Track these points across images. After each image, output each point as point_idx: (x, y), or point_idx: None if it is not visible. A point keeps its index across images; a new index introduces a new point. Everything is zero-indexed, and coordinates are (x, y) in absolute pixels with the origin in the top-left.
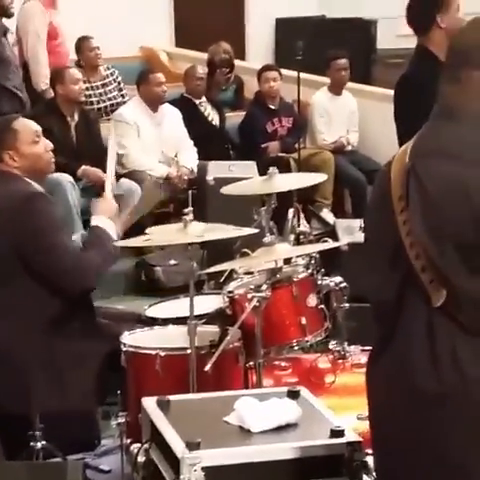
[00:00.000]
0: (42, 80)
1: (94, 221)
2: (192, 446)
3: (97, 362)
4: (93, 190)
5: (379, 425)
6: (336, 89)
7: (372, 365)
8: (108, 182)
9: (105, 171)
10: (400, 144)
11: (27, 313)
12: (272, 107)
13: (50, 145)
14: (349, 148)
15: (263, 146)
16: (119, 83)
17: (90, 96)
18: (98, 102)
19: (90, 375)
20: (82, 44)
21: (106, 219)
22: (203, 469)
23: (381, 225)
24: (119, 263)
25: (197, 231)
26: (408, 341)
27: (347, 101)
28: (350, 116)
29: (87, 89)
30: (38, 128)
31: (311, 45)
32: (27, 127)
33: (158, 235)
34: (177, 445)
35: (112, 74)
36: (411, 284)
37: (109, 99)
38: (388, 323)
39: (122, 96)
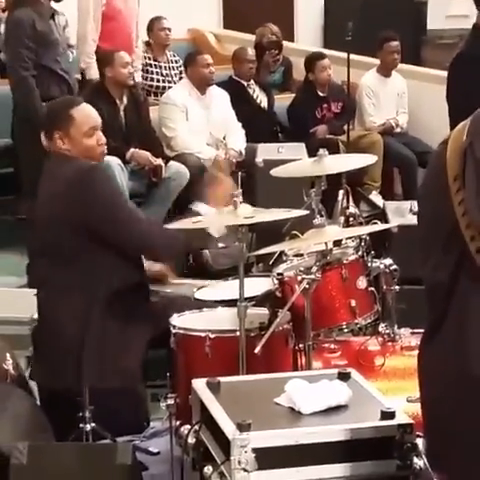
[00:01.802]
0: (84, 59)
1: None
2: (243, 427)
3: (144, 342)
4: (142, 173)
5: (432, 407)
6: (386, 71)
7: (425, 348)
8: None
9: (156, 156)
10: (451, 124)
11: (84, 291)
12: (321, 94)
13: (103, 139)
14: (398, 130)
15: (311, 131)
16: (180, 72)
17: (152, 73)
18: (158, 80)
19: (137, 354)
20: (154, 23)
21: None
22: (253, 450)
23: (436, 206)
24: None
25: (247, 213)
26: (462, 324)
27: (396, 82)
28: (399, 97)
29: (150, 66)
30: (97, 122)
31: (360, 26)
32: (85, 118)
33: (207, 217)
34: (228, 426)
35: (177, 62)
36: (465, 266)
37: (169, 81)
38: (441, 306)
39: None
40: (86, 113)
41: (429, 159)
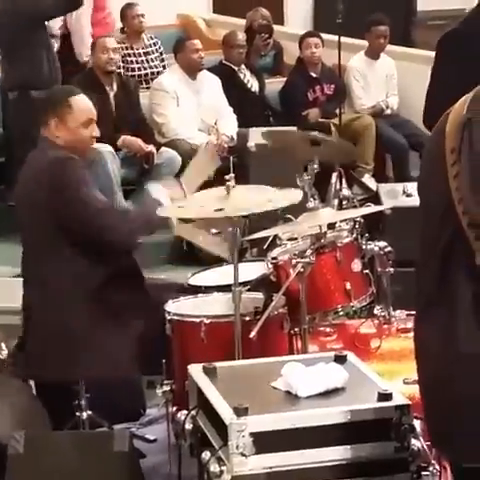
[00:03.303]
0: (85, 51)
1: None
2: (240, 412)
3: (141, 330)
4: (134, 160)
5: (429, 389)
6: (373, 54)
7: (418, 327)
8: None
9: (147, 142)
10: (430, 100)
11: (70, 281)
12: (314, 75)
13: (97, 133)
14: (388, 112)
15: (303, 114)
16: (161, 53)
17: (132, 62)
18: (139, 69)
19: (133, 343)
20: (127, 11)
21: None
22: (251, 435)
23: (433, 177)
24: (160, 233)
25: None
26: (453, 302)
27: (385, 64)
28: (388, 79)
29: (129, 55)
30: (94, 114)
31: (350, 8)
32: (83, 108)
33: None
34: (225, 411)
35: (155, 44)
36: (458, 242)
37: (150, 67)
38: (433, 284)
39: (164, 67)
40: (85, 103)
41: (432, 131)
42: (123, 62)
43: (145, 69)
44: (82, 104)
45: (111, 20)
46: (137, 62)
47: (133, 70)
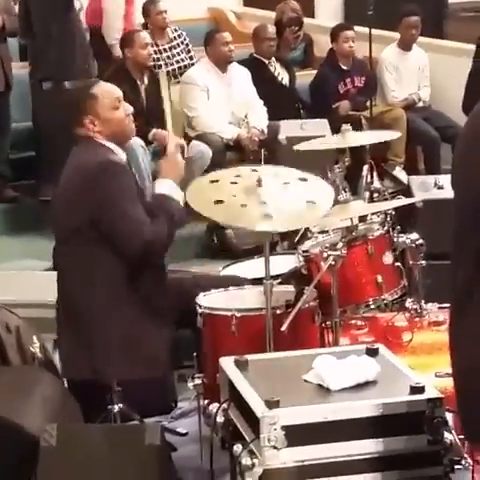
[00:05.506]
0: (113, 35)
1: (158, 187)
2: (271, 404)
3: (170, 327)
4: (164, 154)
5: (463, 382)
6: (405, 45)
7: (453, 322)
8: (171, 142)
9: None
10: (467, 89)
11: (102, 279)
12: (345, 67)
13: (130, 109)
14: (420, 104)
15: (334, 106)
16: (187, 45)
17: (158, 59)
18: (166, 65)
19: (163, 339)
20: (150, 7)
21: (170, 181)
22: (283, 428)
23: (468, 167)
24: (190, 227)
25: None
26: None
27: (417, 56)
28: (420, 71)
29: (154, 52)
30: (119, 93)
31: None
32: (107, 92)
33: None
34: (256, 404)
35: (180, 36)
36: None
37: (177, 62)
38: (468, 278)
39: (190, 58)
40: (107, 87)
41: (465, 124)
42: None
43: (172, 65)
44: (104, 89)
45: (134, 15)
46: (162, 59)
47: (160, 67)
